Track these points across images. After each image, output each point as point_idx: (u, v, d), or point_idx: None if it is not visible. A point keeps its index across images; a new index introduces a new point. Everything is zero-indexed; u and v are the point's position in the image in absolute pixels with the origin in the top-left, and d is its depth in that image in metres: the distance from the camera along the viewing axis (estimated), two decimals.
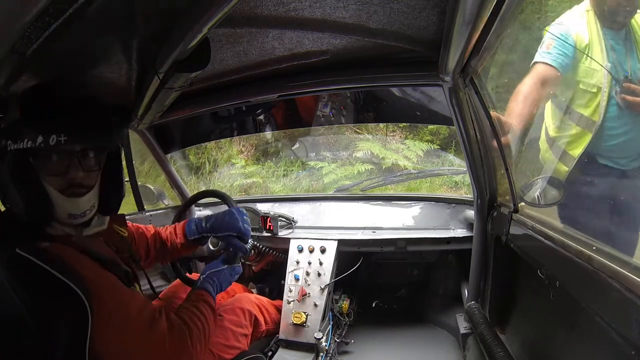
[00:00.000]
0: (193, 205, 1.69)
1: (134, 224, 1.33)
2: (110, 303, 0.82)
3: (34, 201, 0.84)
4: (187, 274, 1.60)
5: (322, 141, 4.34)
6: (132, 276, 1.04)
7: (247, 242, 1.31)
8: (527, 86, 1.29)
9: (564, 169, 1.48)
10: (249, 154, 4.81)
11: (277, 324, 1.67)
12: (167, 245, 1.37)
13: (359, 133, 4.34)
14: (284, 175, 4.42)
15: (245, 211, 1.36)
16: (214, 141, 4.24)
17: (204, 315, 1.04)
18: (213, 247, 1.80)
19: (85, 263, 0.84)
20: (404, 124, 4.14)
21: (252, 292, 2.00)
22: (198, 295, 1.10)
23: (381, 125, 4.33)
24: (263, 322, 1.58)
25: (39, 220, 0.87)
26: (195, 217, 1.40)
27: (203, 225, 1.34)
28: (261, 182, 4.40)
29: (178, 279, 1.57)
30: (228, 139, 4.40)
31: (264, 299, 1.71)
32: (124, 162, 1.18)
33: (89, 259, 0.86)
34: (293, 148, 4.32)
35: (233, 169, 4.63)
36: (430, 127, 4.16)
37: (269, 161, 4.58)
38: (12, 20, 0.47)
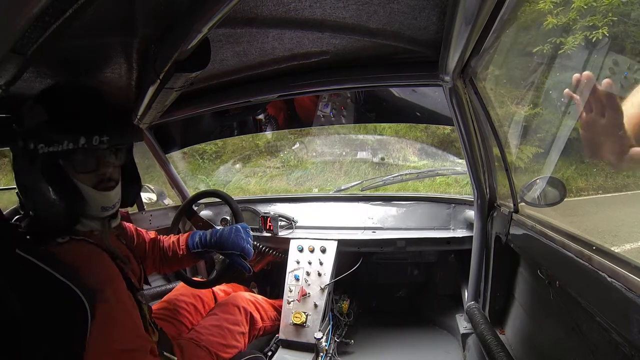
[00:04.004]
0: (193, 205, 1.68)
1: (133, 225, 1.34)
2: (111, 303, 0.83)
3: (70, 199, 0.88)
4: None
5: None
6: (142, 278, 1.08)
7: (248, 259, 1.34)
8: None
9: None
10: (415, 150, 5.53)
11: (275, 321, 1.68)
12: (168, 254, 1.36)
13: None
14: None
15: (249, 226, 1.36)
16: None
17: None
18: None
19: (104, 260, 0.88)
20: None
21: (253, 292, 2.01)
22: None
23: None
24: (259, 319, 1.58)
25: (75, 217, 0.91)
26: (200, 231, 1.40)
27: (208, 239, 1.33)
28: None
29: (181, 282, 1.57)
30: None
31: (259, 297, 1.71)
32: None
33: (107, 257, 0.90)
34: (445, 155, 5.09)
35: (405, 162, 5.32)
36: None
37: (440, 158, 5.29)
38: (12, 20, 0.47)
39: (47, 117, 0.85)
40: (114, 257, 0.94)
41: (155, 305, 1.42)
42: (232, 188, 5.40)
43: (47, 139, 0.83)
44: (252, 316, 1.53)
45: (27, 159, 0.85)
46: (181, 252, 1.36)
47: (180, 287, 1.59)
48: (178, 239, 1.38)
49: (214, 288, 1.66)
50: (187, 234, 1.40)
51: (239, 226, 1.33)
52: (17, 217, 0.95)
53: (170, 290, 1.65)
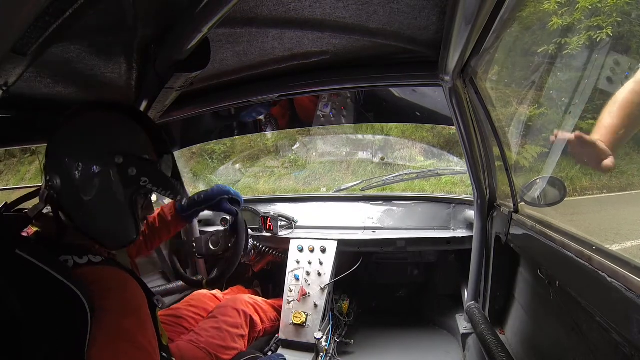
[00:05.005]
0: None
1: None
2: (126, 326, 0.78)
3: (135, 224, 0.90)
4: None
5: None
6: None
7: (239, 206, 1.35)
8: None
9: None
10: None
11: (274, 322, 1.68)
12: (155, 225, 1.32)
13: None
14: None
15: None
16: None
17: None
18: (213, 246, 1.80)
19: (133, 287, 0.85)
20: None
21: (256, 291, 2.01)
22: None
23: None
24: (259, 322, 1.57)
25: (130, 242, 0.92)
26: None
27: (195, 199, 1.32)
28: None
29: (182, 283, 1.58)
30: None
31: (259, 299, 1.71)
32: None
33: (136, 283, 0.87)
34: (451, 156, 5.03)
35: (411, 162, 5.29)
36: None
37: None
38: (12, 20, 0.47)
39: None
40: (138, 279, 0.91)
41: (159, 312, 1.41)
42: (241, 187, 5.40)
43: (155, 179, 0.87)
44: (252, 319, 1.53)
45: (118, 177, 0.84)
46: (169, 219, 1.33)
47: (188, 298, 1.60)
48: (162, 209, 1.36)
49: (217, 295, 1.66)
50: (170, 202, 1.37)
51: (219, 185, 1.35)
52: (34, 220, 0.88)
53: (175, 288, 1.65)
